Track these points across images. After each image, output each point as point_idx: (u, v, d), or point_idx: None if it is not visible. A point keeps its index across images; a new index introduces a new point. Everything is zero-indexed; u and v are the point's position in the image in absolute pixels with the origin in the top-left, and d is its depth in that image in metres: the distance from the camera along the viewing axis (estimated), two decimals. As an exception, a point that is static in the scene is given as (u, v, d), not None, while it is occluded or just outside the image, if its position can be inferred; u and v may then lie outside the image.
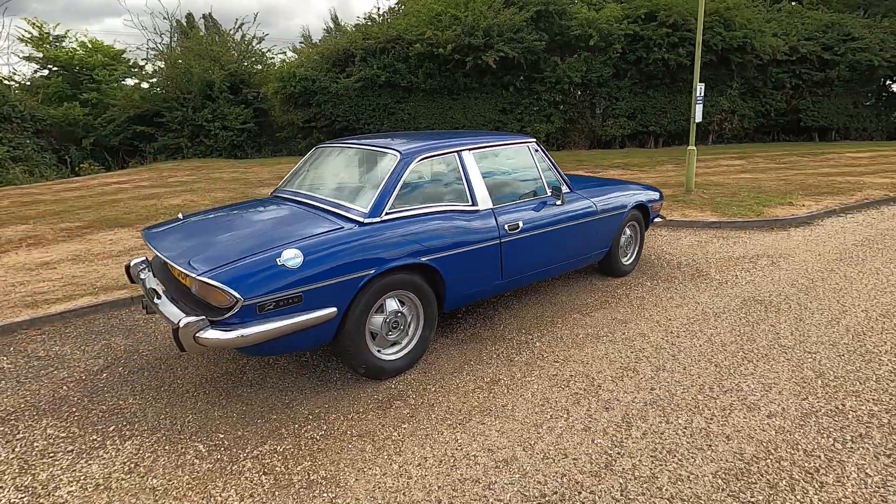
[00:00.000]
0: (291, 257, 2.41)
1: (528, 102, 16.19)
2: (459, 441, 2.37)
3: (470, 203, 3.20)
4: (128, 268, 3.21)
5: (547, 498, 2.01)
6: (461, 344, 3.34)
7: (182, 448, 2.36)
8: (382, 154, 3.13)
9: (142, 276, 3.11)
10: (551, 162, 3.78)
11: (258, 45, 17.73)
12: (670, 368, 2.96)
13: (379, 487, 2.09)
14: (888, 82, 19.15)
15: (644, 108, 16.34)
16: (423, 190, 3.05)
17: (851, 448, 2.26)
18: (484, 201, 3.24)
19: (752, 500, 1.97)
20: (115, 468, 2.24)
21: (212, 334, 2.29)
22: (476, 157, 3.31)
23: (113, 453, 2.34)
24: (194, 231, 3.02)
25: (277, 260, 2.40)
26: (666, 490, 2.04)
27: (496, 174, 3.47)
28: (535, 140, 3.74)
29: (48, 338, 3.59)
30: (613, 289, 4.26)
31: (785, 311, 3.73)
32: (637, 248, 4.62)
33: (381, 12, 18.06)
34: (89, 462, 2.29)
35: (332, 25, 28.14)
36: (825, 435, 2.35)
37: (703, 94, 7.69)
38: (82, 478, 2.19)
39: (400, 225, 2.84)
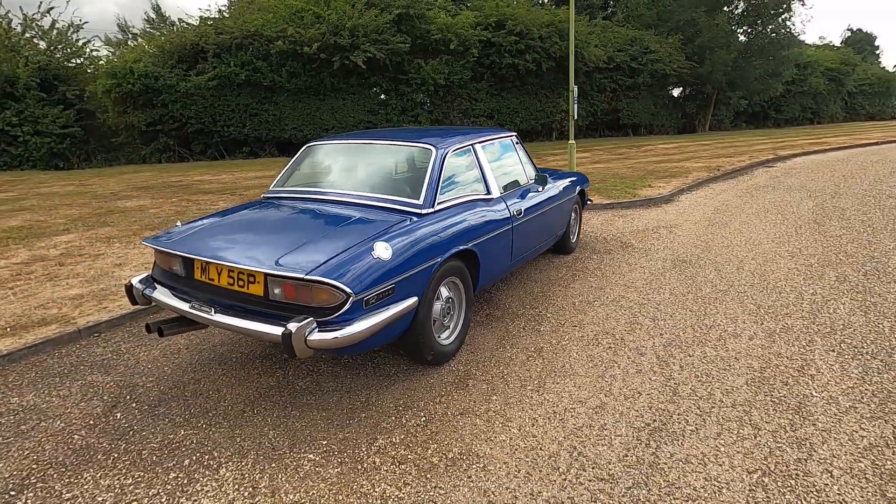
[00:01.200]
0: (383, 249, 2.42)
1: (395, 103, 16.54)
2: (551, 401, 2.64)
3: (486, 192, 3.44)
4: (129, 288, 2.77)
5: (651, 426, 2.41)
6: (482, 325, 3.57)
7: (292, 461, 2.22)
8: (413, 149, 3.20)
9: (148, 293, 2.74)
10: (526, 153, 4.20)
11: (75, 35, 15.02)
12: (662, 318, 3.60)
13: (516, 449, 2.27)
14: (670, 88, 23.92)
15: (500, 108, 17.91)
16: (453, 181, 3.21)
17: (811, 350, 3.09)
18: (496, 190, 3.51)
19: (781, 395, 2.63)
20: (232, 496, 2.03)
21: (321, 336, 2.20)
22: (484, 150, 3.56)
23: (214, 484, 2.10)
24: (232, 235, 2.75)
25: (372, 253, 2.38)
26: (725, 401, 2.59)
27: (495, 165, 3.76)
28: (515, 134, 4.12)
29: (-10, 390, 2.88)
30: (572, 263, 4.86)
31: (704, 266, 4.70)
32: (578, 228, 5.31)
33: (230, 4, 16.67)
34: (192, 499, 2.03)
35: (153, 16, 25.00)
36: (790, 345, 3.16)
37: (577, 95, 8.89)
38: (199, 515, 1.95)
39: (449, 214, 2.98)
